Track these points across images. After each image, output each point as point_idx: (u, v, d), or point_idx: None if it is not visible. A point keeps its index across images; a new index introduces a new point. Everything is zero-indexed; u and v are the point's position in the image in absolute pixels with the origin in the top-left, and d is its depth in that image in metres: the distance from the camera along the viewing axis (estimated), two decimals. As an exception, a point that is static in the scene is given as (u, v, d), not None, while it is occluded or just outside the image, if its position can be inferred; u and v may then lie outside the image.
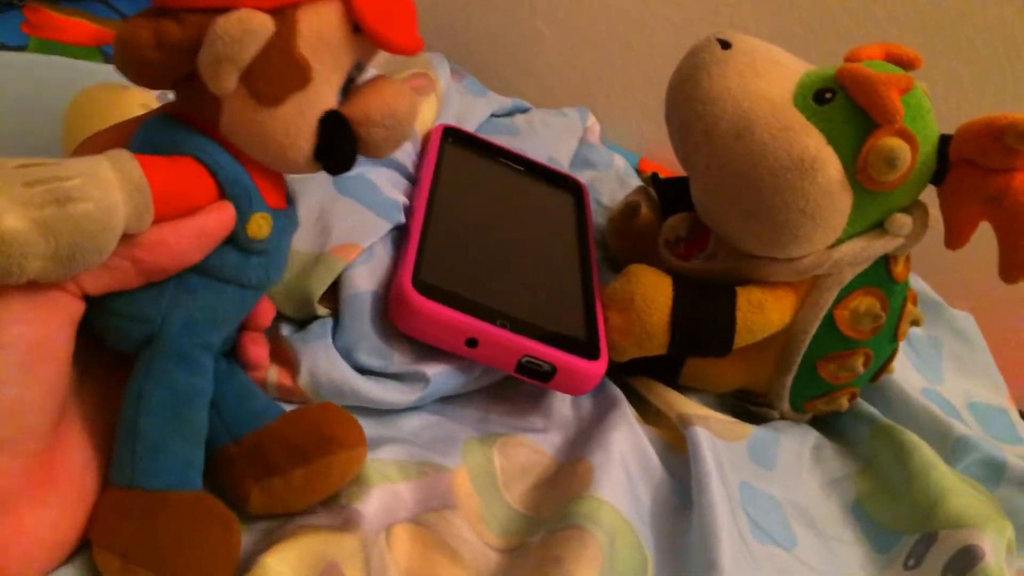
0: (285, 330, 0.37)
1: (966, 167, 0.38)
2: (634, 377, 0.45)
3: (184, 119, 0.28)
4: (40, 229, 0.22)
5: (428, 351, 0.37)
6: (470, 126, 0.56)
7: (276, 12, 0.26)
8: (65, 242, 0.22)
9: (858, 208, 0.38)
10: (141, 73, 0.26)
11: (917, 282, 0.60)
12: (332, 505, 0.30)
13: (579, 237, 0.48)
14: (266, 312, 0.34)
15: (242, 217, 0.28)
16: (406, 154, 0.47)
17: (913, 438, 0.44)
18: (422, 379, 0.36)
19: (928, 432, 0.47)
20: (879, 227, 0.40)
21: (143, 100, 0.42)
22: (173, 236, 0.26)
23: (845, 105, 0.37)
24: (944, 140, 0.38)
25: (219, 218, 0.27)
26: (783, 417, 0.47)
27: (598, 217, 0.57)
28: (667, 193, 0.51)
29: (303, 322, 0.37)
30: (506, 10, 0.70)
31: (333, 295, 0.38)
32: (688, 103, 0.40)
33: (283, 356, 0.36)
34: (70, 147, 0.39)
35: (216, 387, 0.30)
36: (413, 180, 0.46)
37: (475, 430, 0.38)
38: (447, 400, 0.39)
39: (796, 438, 0.45)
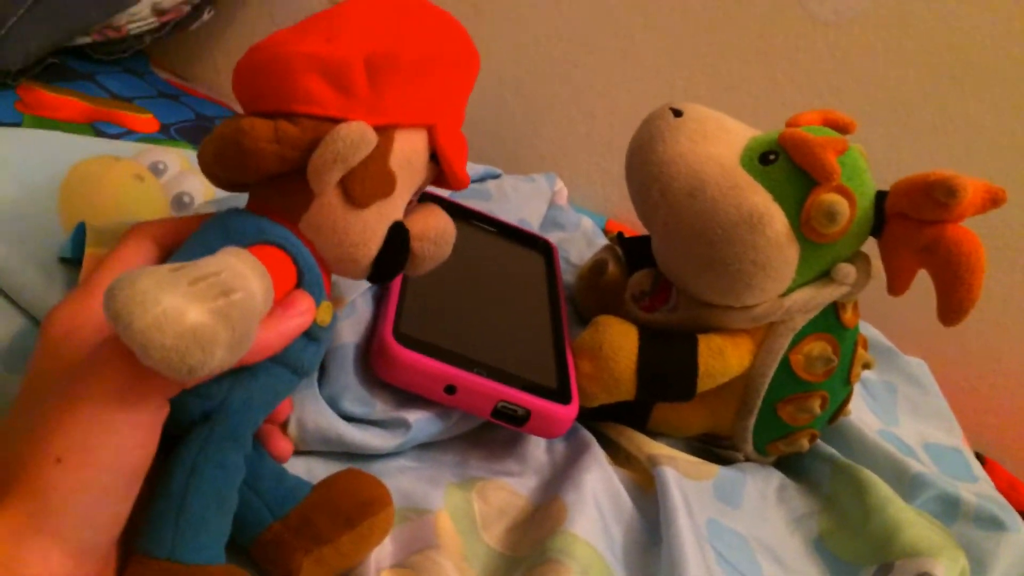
0: None
1: (902, 220, 0.41)
2: (605, 423, 0.47)
3: (262, 213, 0.31)
4: (220, 319, 0.23)
5: (409, 399, 0.39)
6: (445, 192, 0.59)
7: (380, 129, 0.30)
8: (240, 329, 0.23)
9: (805, 259, 0.41)
10: (248, 163, 0.29)
11: (870, 330, 0.63)
12: None
13: (549, 292, 0.51)
14: (285, 409, 0.36)
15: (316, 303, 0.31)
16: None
17: (871, 476, 0.46)
18: (403, 425, 0.38)
19: (885, 471, 0.49)
20: (826, 276, 0.43)
21: (135, 171, 0.44)
22: (276, 339, 0.28)
23: (787, 166, 0.41)
24: (880, 195, 0.42)
25: (308, 315, 0.30)
26: (748, 459, 0.49)
27: (567, 275, 0.59)
28: (632, 251, 0.54)
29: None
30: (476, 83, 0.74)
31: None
32: (645, 167, 0.43)
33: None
34: (67, 218, 0.41)
35: (251, 469, 0.31)
36: None
37: (454, 475, 0.40)
38: (426, 447, 0.41)
39: (761, 479, 0.47)
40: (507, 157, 0.76)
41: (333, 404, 0.38)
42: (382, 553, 0.33)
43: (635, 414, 0.47)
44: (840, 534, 0.44)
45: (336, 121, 0.29)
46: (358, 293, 0.41)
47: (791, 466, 0.51)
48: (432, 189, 0.55)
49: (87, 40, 0.66)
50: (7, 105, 0.55)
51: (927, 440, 0.57)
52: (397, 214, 0.33)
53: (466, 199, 0.61)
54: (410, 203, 0.35)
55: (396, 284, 0.43)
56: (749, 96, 0.66)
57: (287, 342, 0.29)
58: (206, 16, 0.75)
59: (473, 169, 0.65)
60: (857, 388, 0.58)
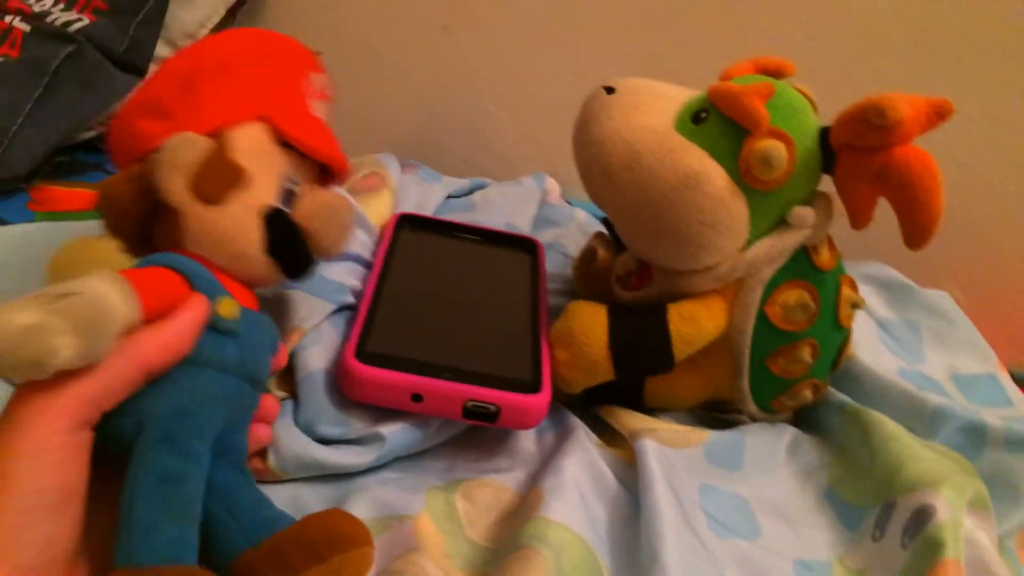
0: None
1: (849, 152, 0.40)
2: (600, 407, 0.47)
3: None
4: (53, 314, 0.25)
5: (385, 414, 0.41)
6: (428, 210, 0.61)
7: (211, 133, 0.33)
8: (83, 316, 0.26)
9: (755, 210, 0.41)
10: (117, 208, 0.33)
11: (885, 270, 0.61)
12: None
13: (531, 289, 0.51)
14: (271, 408, 0.38)
15: (211, 300, 0.32)
16: (363, 246, 0.51)
17: (877, 416, 0.45)
18: (379, 439, 0.40)
19: (903, 410, 0.47)
20: (784, 223, 0.42)
21: (116, 246, 0.47)
22: (173, 336, 0.30)
23: (719, 121, 0.40)
24: (825, 131, 0.41)
25: (200, 308, 0.31)
26: (755, 420, 0.48)
27: (567, 268, 0.60)
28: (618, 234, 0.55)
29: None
30: (458, 100, 0.76)
31: (291, 378, 0.42)
32: (585, 148, 0.44)
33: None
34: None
35: (231, 494, 0.32)
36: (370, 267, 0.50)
37: (438, 479, 0.41)
38: (413, 457, 0.42)
39: (767, 438, 0.46)
40: (502, 165, 0.77)
41: (309, 430, 0.40)
42: None
43: (629, 393, 0.47)
44: (849, 480, 0.43)
45: None
46: (324, 319, 0.43)
47: (806, 419, 0.49)
48: (411, 211, 0.57)
49: (91, 134, 0.70)
50: (20, 207, 0.60)
51: (956, 371, 0.54)
52: (265, 199, 0.35)
53: (452, 212, 0.62)
54: (291, 195, 0.36)
55: (364, 304, 0.44)
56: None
57: (188, 337, 0.30)
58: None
59: (459, 184, 0.66)
60: (876, 330, 0.56)
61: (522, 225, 0.62)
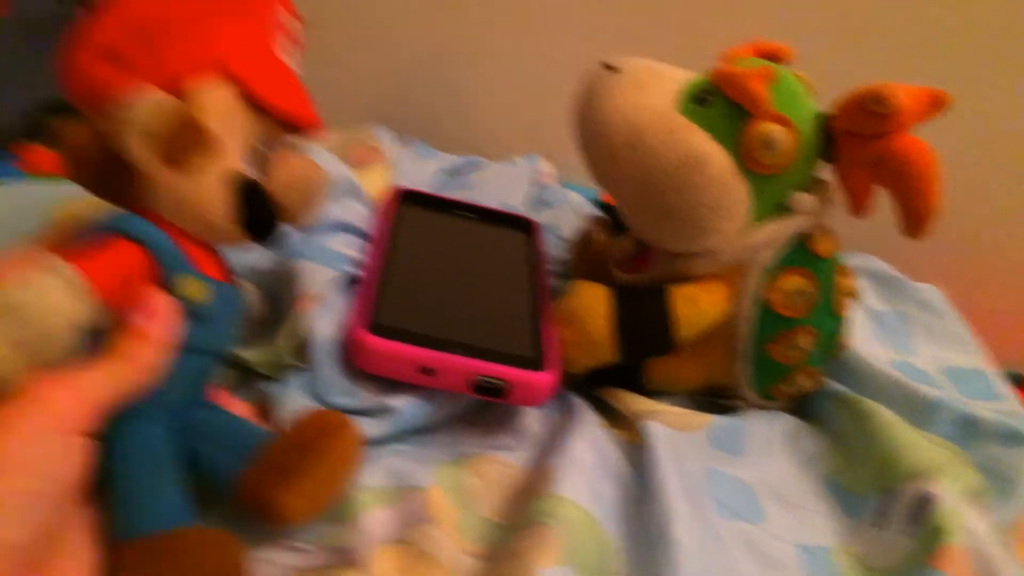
0: (266, 387, 0.40)
1: (849, 139, 0.40)
2: (603, 389, 0.47)
3: (128, 209, 0.32)
4: None
5: (393, 385, 0.40)
6: (422, 184, 0.60)
7: (176, 92, 0.31)
8: (15, 323, 0.26)
9: (756, 194, 0.41)
10: (76, 161, 0.31)
11: (876, 263, 0.61)
12: (332, 545, 0.33)
13: (530, 268, 0.51)
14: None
15: (170, 277, 0.31)
16: (361, 218, 0.50)
17: (873, 404, 0.45)
18: (390, 411, 0.39)
19: (897, 400, 0.47)
20: (783, 209, 0.42)
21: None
22: (153, 356, 0.29)
23: (722, 103, 0.40)
24: (826, 118, 0.41)
25: (168, 317, 0.31)
26: (754, 406, 0.48)
27: (562, 250, 0.60)
28: (616, 216, 0.54)
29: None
30: (453, 80, 0.75)
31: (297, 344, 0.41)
32: (586, 126, 0.43)
33: (267, 413, 0.39)
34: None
35: (207, 428, 0.33)
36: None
37: (447, 454, 0.40)
38: (419, 431, 0.42)
39: (764, 424, 0.46)
40: (495, 147, 0.76)
41: (320, 399, 0.39)
42: (379, 530, 0.34)
43: (631, 376, 0.47)
44: (847, 468, 0.43)
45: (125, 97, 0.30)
46: (330, 287, 0.43)
47: (804, 409, 0.50)
48: (411, 187, 0.57)
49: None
50: (6, 166, 0.59)
51: (947, 364, 0.54)
52: (234, 165, 0.33)
53: (446, 190, 0.62)
54: (264, 158, 0.34)
55: (369, 275, 0.44)
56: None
57: (168, 350, 0.30)
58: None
59: (452, 160, 0.66)
60: (868, 321, 0.57)
61: (516, 204, 0.62)
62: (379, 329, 0.39)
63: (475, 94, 0.76)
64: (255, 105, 0.33)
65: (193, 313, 0.32)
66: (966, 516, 0.37)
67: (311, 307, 0.41)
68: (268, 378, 0.41)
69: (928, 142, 0.38)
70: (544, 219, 0.63)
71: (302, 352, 0.40)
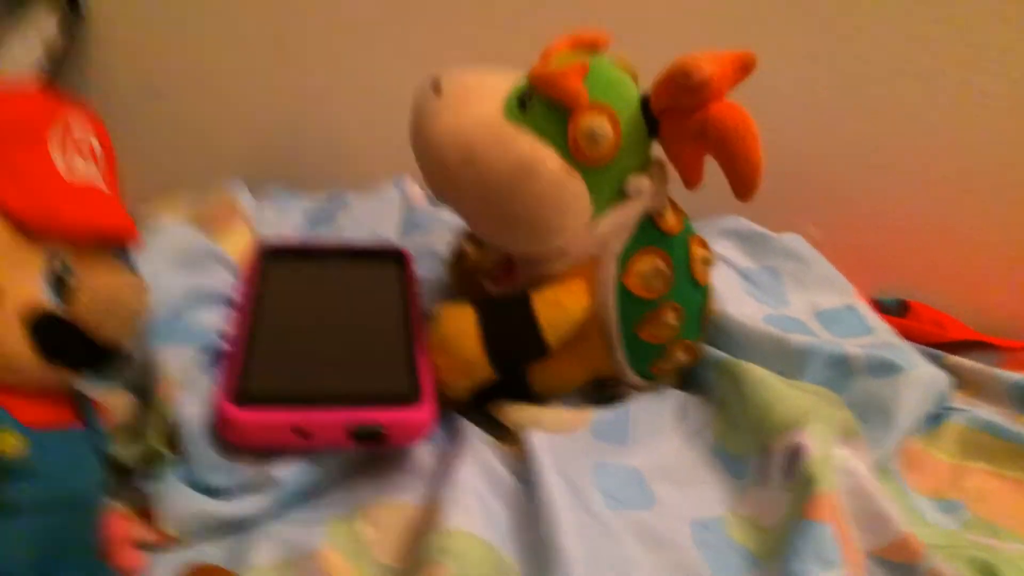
0: (144, 486, 0.38)
1: (669, 115, 0.41)
2: (492, 405, 0.47)
3: None
4: None
5: (275, 454, 0.39)
6: (288, 230, 0.59)
7: None
8: None
9: (593, 186, 0.41)
10: None
11: (739, 222, 0.63)
12: None
13: (403, 299, 0.51)
14: (121, 528, 0.35)
15: None
16: (225, 284, 0.49)
17: (746, 365, 0.46)
18: (273, 482, 0.38)
19: (770, 354, 0.49)
20: (623, 195, 0.43)
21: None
22: None
23: (543, 103, 0.41)
24: (646, 99, 0.42)
25: None
26: (641, 390, 0.49)
27: (441, 271, 0.60)
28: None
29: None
30: (304, 114, 0.74)
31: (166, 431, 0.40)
32: (421, 151, 0.43)
33: (147, 511, 0.37)
34: None
35: None
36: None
37: (340, 508, 0.39)
38: (313, 491, 0.41)
39: (652, 407, 0.47)
40: (359, 173, 0.75)
41: (196, 484, 0.38)
42: None
43: (516, 387, 0.47)
44: (732, 433, 0.45)
45: None
46: (194, 366, 0.41)
47: (691, 382, 0.51)
48: (273, 240, 0.55)
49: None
50: None
51: (818, 308, 0.57)
52: (21, 303, 0.30)
53: (313, 230, 0.61)
54: (63, 283, 0.31)
55: (234, 345, 0.43)
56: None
57: None
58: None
59: (315, 200, 0.65)
60: (739, 281, 0.58)
61: (389, 233, 0.62)
62: (245, 399, 0.38)
63: (333, 128, 0.75)
64: (43, 231, 0.30)
65: (11, 470, 0.29)
66: (841, 457, 0.39)
67: (174, 392, 0.40)
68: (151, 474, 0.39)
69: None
70: (419, 242, 0.62)
71: (175, 441, 0.39)
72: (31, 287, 0.30)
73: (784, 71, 0.68)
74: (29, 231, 0.30)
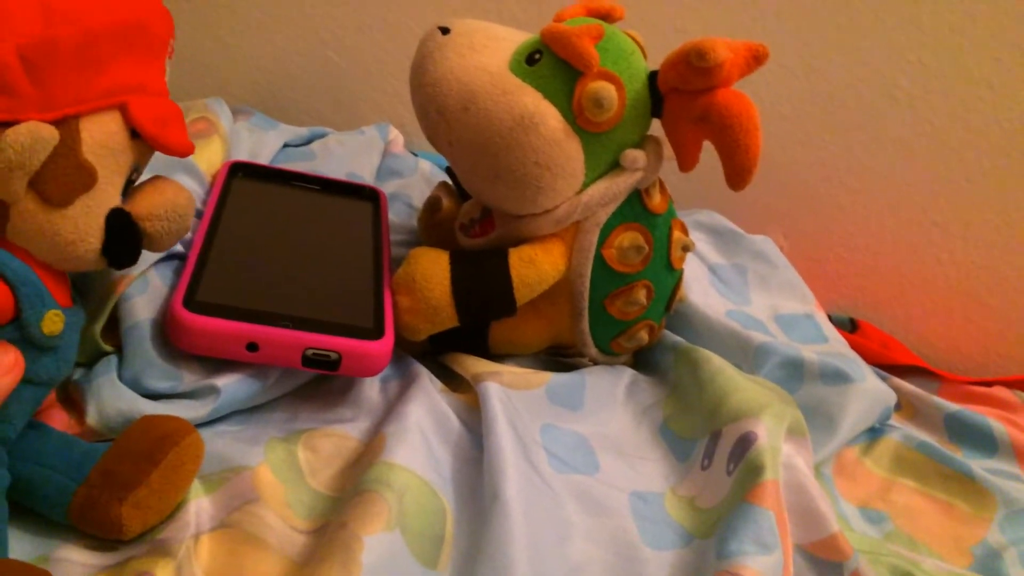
0: (76, 375, 0.38)
1: (675, 95, 0.41)
2: (447, 354, 0.47)
3: None
4: None
5: (220, 365, 0.38)
6: (263, 158, 0.57)
7: (60, 123, 0.29)
8: None
9: (589, 152, 0.41)
10: None
11: (714, 217, 0.64)
12: (149, 539, 0.32)
13: (374, 237, 0.50)
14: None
15: (36, 315, 0.30)
16: (195, 194, 0.48)
17: (705, 353, 0.47)
18: (213, 391, 0.38)
19: (730, 347, 0.50)
20: (617, 166, 0.43)
21: None
22: None
23: (552, 61, 0.41)
24: (654, 76, 0.42)
25: (13, 374, 0.29)
26: (597, 363, 0.49)
27: (412, 219, 0.59)
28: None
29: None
30: (298, 49, 0.72)
31: (116, 330, 0.39)
32: (421, 89, 0.43)
33: (74, 401, 0.37)
34: None
35: (34, 450, 0.31)
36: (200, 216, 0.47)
37: (279, 431, 0.39)
38: (253, 409, 0.40)
39: (606, 380, 0.47)
40: (345, 116, 0.74)
41: (136, 385, 0.37)
42: (202, 517, 0.33)
43: (474, 340, 0.47)
44: (681, 415, 0.45)
45: (7, 125, 0.28)
46: (150, 265, 0.40)
47: (644, 361, 0.51)
48: (245, 159, 0.54)
49: None
50: None
51: (778, 312, 0.58)
52: (111, 202, 0.32)
53: (289, 162, 0.60)
54: (131, 182, 0.34)
55: (193, 253, 0.41)
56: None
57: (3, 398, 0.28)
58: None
59: (296, 132, 0.63)
60: (706, 274, 0.59)
61: (364, 175, 0.60)
62: (198, 306, 0.37)
63: (325, 65, 0.73)
64: (138, 136, 0.32)
65: (47, 347, 0.31)
66: (785, 453, 0.40)
67: (122, 287, 0.39)
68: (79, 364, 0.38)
69: (755, 102, 0.39)
70: (394, 188, 0.62)
71: (115, 335, 0.38)
72: (117, 188, 0.32)
73: (772, 81, 0.69)
74: (132, 135, 0.32)
